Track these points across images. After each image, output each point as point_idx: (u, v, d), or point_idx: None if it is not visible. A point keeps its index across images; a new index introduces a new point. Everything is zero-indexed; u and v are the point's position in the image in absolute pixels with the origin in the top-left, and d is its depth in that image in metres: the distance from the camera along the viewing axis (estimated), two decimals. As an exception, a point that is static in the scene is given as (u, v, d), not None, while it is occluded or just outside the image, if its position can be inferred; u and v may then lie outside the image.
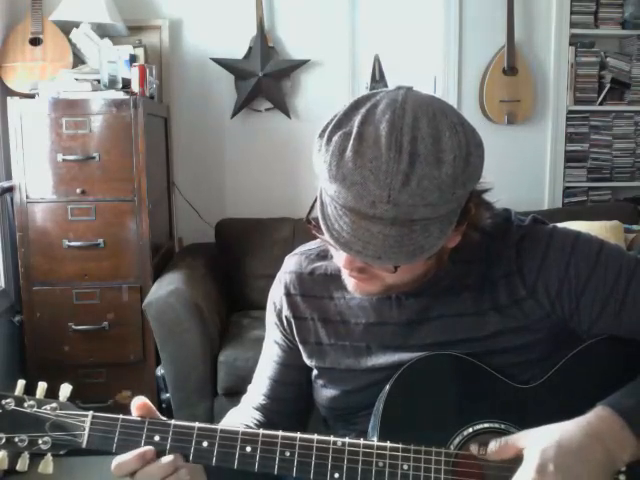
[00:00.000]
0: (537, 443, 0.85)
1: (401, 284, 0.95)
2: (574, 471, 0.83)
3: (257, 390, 1.17)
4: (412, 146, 0.81)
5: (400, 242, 0.83)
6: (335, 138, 0.84)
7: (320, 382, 1.09)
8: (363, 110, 0.85)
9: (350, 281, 0.97)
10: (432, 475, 0.89)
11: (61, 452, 0.90)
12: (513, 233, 1.00)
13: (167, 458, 0.88)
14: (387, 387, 0.96)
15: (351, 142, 0.82)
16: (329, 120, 0.87)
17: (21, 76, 2.88)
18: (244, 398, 1.19)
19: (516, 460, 0.87)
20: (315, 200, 0.90)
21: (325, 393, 1.08)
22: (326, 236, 0.86)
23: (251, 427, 1.08)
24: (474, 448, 0.90)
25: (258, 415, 1.13)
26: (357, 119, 0.84)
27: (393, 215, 0.81)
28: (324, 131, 0.86)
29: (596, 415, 0.87)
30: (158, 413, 0.93)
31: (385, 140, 0.81)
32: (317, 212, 0.88)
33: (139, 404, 0.92)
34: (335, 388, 1.07)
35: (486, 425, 0.94)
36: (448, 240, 0.89)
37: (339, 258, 0.93)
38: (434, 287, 1.00)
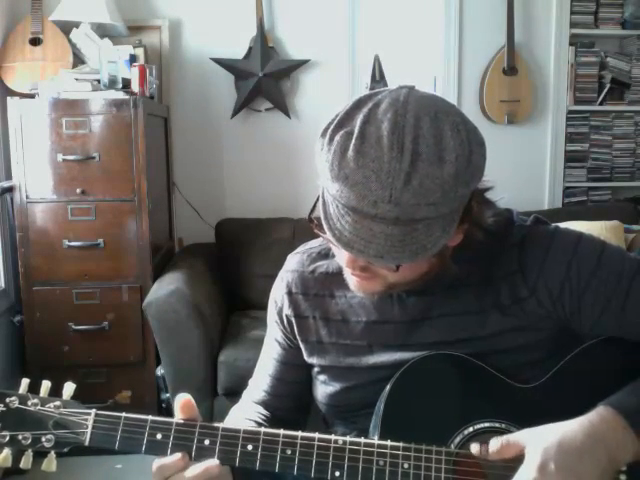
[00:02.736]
0: (539, 442, 0.85)
1: (403, 282, 0.96)
2: (575, 471, 0.83)
3: (258, 386, 1.18)
4: (414, 145, 0.81)
5: (402, 241, 0.83)
6: (337, 137, 0.84)
7: (321, 379, 1.10)
8: (365, 109, 0.85)
9: (352, 280, 0.97)
10: (432, 474, 0.89)
11: (64, 450, 0.90)
12: (515, 233, 1.00)
13: (212, 461, 0.89)
14: (388, 386, 0.97)
15: (353, 141, 0.82)
16: (331, 119, 0.87)
17: (21, 76, 2.88)
18: (245, 393, 1.20)
19: (517, 459, 0.87)
20: (317, 199, 0.90)
21: (325, 390, 1.09)
22: (328, 235, 0.86)
23: (258, 422, 1.09)
24: (475, 447, 0.89)
25: (262, 410, 1.14)
26: (359, 118, 0.84)
27: (395, 215, 0.81)
28: (326, 130, 0.86)
29: (598, 415, 0.87)
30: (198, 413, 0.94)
31: (387, 140, 0.81)
32: (319, 211, 0.88)
33: (185, 402, 0.92)
34: (336, 384, 1.07)
35: (486, 424, 0.94)
36: (450, 239, 0.89)
37: (341, 257, 0.93)
38: (436, 286, 1.00)
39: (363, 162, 0.81)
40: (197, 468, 0.89)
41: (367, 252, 0.83)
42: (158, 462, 0.89)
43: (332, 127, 0.86)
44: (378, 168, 0.80)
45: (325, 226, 0.86)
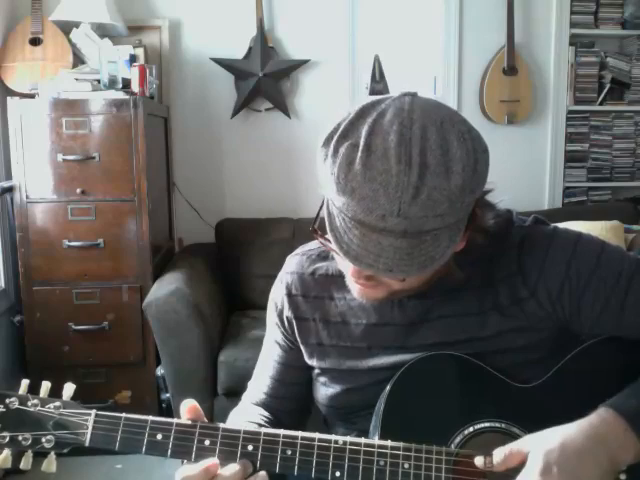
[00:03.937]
0: (541, 445, 0.85)
1: (407, 289, 0.95)
2: (577, 473, 0.83)
3: (258, 388, 1.17)
4: (421, 158, 0.80)
5: (411, 254, 0.82)
6: (342, 149, 0.82)
7: (321, 380, 1.10)
8: (369, 120, 0.83)
9: (355, 287, 0.96)
10: (433, 474, 0.89)
11: (64, 450, 0.90)
12: (515, 234, 1.00)
13: (233, 467, 0.88)
14: (388, 387, 0.97)
15: (359, 154, 0.81)
16: (333, 128, 0.85)
17: (21, 76, 2.88)
18: (244, 396, 1.20)
19: (520, 464, 0.86)
20: (320, 209, 0.89)
21: (326, 391, 1.09)
22: (335, 248, 0.85)
23: (260, 424, 1.09)
24: (479, 460, 0.88)
25: (263, 411, 1.14)
26: (364, 129, 0.82)
27: (404, 228, 0.80)
28: (329, 140, 0.85)
29: (599, 417, 0.87)
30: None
31: (394, 152, 0.80)
32: (325, 223, 0.86)
33: (190, 407, 0.91)
34: (336, 386, 1.07)
35: (486, 424, 0.94)
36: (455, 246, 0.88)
37: (345, 266, 0.93)
38: (436, 289, 1.00)
39: (370, 175, 0.80)
40: (237, 466, 0.88)
41: (376, 266, 0.82)
42: (182, 473, 0.88)
43: (336, 137, 0.84)
44: (386, 182, 0.79)
45: (332, 239, 0.85)
